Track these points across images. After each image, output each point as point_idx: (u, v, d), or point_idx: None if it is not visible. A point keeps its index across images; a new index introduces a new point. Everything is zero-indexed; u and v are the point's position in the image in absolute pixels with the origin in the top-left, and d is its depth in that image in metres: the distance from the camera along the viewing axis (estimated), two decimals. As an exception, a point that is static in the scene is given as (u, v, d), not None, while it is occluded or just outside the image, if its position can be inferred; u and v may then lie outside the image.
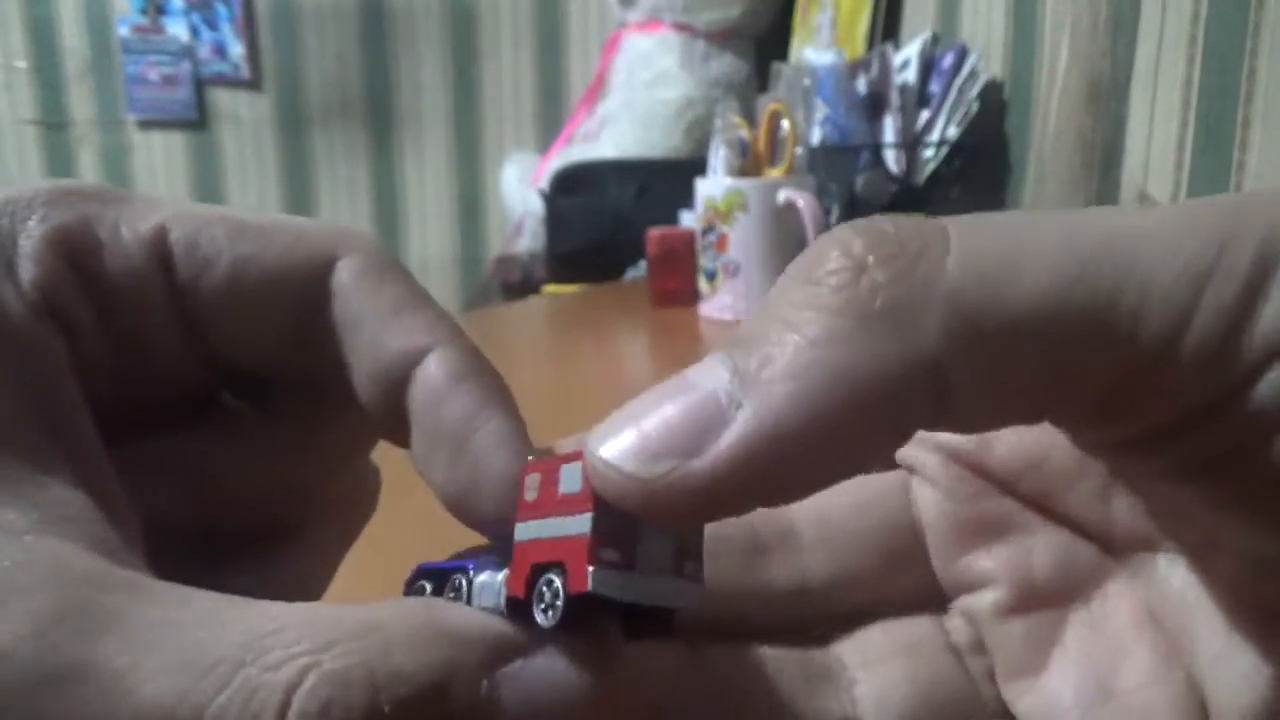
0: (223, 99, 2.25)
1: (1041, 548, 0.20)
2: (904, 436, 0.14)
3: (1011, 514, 0.20)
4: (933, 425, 0.14)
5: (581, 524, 0.14)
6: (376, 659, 0.14)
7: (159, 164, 2.27)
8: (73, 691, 0.13)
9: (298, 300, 0.19)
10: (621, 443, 0.14)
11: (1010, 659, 0.19)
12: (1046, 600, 0.20)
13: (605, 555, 0.14)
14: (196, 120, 2.25)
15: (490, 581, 0.16)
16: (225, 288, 0.18)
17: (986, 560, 0.20)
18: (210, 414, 0.20)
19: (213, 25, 2.21)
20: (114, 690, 0.13)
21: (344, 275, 0.19)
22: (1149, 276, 0.14)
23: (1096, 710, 0.18)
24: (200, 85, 2.24)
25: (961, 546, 0.20)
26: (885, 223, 0.14)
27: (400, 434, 0.18)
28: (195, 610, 0.14)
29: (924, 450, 0.21)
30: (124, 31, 2.20)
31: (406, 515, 0.24)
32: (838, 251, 0.14)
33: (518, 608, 0.15)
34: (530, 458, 0.16)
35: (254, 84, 2.24)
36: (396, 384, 0.18)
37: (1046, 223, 0.14)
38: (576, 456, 0.15)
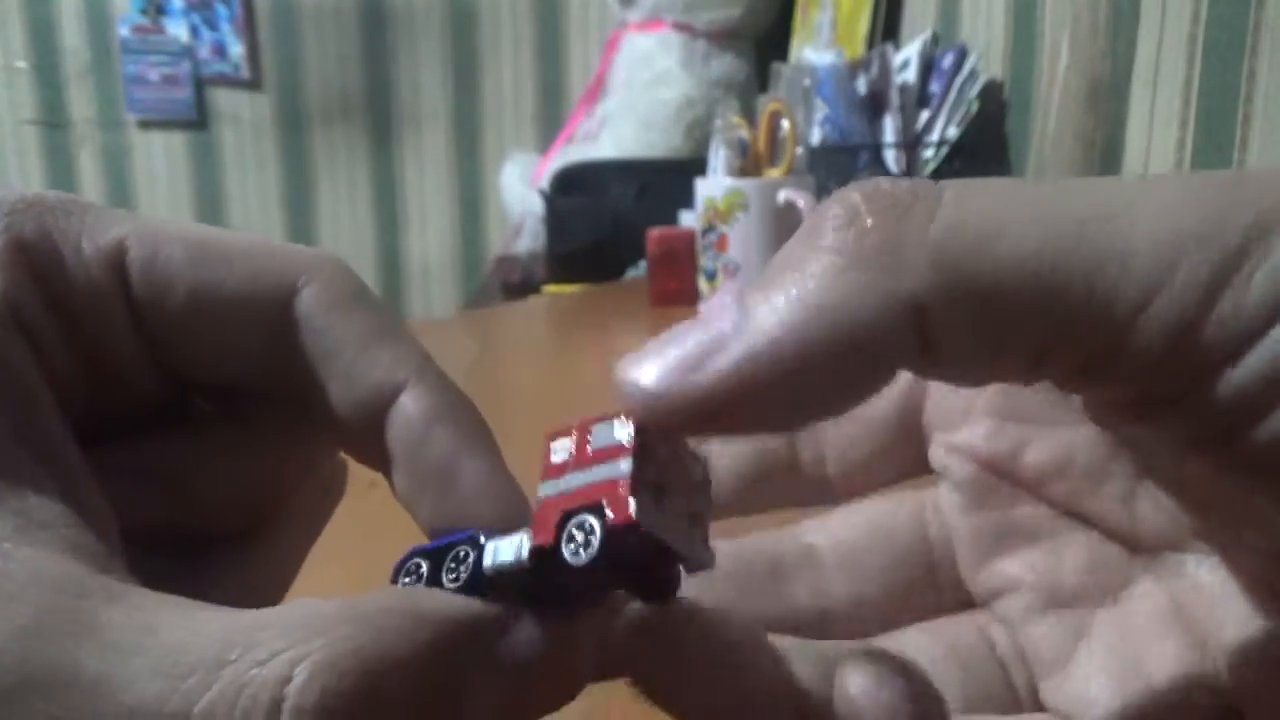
0: (223, 99, 2.25)
1: (1070, 551, 0.20)
2: (888, 371, 0.15)
3: (1039, 519, 0.20)
4: (920, 368, 0.15)
5: (619, 468, 0.15)
6: (367, 646, 0.14)
7: (159, 164, 2.27)
8: (55, 697, 0.13)
9: (261, 328, 0.18)
10: (640, 365, 0.15)
11: (1043, 656, 0.20)
12: (1075, 601, 0.20)
13: (644, 495, 0.15)
14: (196, 120, 2.25)
15: (507, 542, 0.16)
16: (183, 313, 0.18)
17: (1014, 565, 0.20)
18: (179, 420, 0.20)
19: (213, 25, 2.21)
20: (96, 695, 0.13)
21: (310, 304, 0.18)
22: (1136, 242, 0.14)
23: (1126, 704, 0.18)
24: (200, 85, 2.24)
25: (990, 553, 0.20)
26: (884, 181, 0.15)
27: (378, 462, 0.18)
28: (173, 614, 0.14)
29: (955, 457, 0.21)
30: (124, 31, 2.20)
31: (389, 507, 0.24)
32: (838, 204, 0.15)
33: (543, 556, 0.15)
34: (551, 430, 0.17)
35: (254, 84, 2.24)
36: (373, 419, 0.18)
37: (1041, 187, 0.15)
38: (605, 418, 0.16)
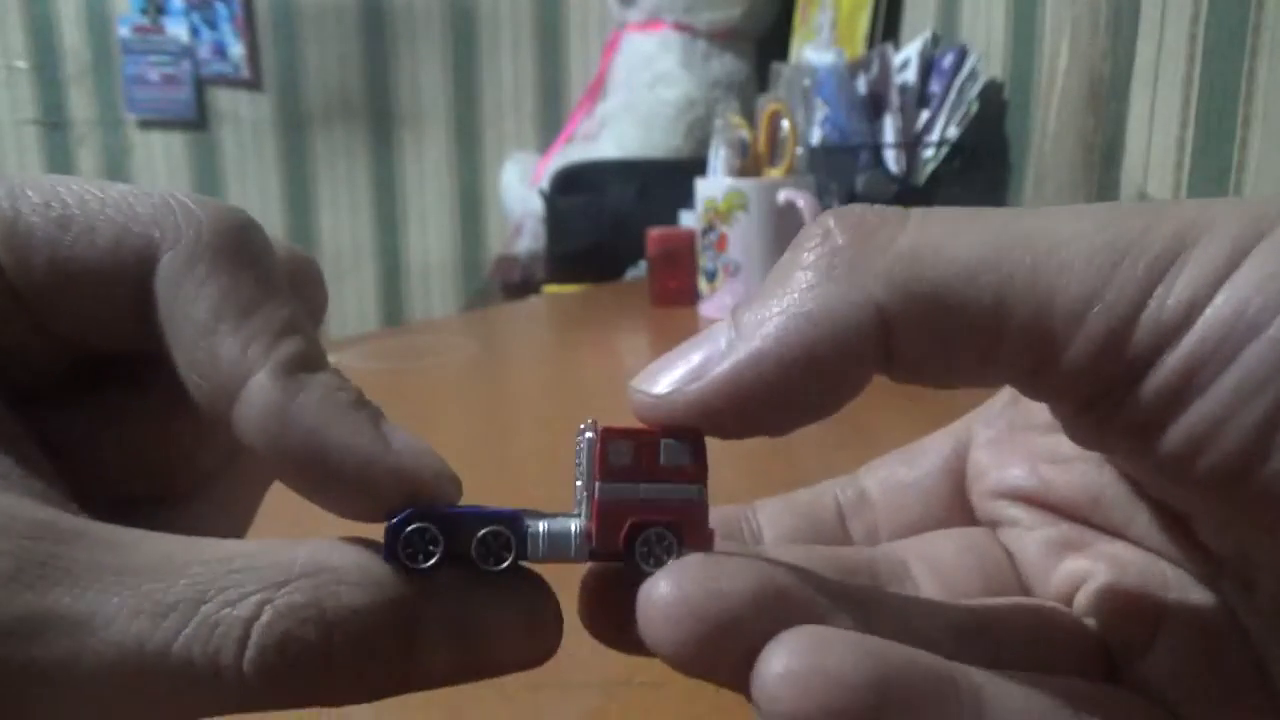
0: (223, 99, 2.25)
1: (1127, 555, 0.21)
2: (858, 373, 0.17)
3: (1089, 534, 0.21)
4: (885, 368, 0.17)
5: (694, 493, 0.17)
6: (327, 595, 0.15)
7: (159, 164, 2.27)
8: (37, 639, 0.14)
9: (124, 300, 0.17)
10: (651, 377, 0.17)
11: (1125, 641, 0.19)
12: (1145, 585, 0.20)
13: (711, 521, 0.17)
14: (196, 120, 2.25)
15: (559, 531, 0.17)
16: (47, 285, 0.17)
17: (1081, 560, 0.21)
18: (77, 388, 0.19)
19: (213, 25, 2.21)
20: (78, 635, 0.14)
21: (161, 278, 0.17)
22: (1072, 249, 0.16)
23: (1199, 687, 0.18)
24: (200, 85, 2.24)
25: (1055, 559, 0.21)
26: (860, 207, 0.17)
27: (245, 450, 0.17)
28: (148, 554, 0.15)
29: (998, 500, 0.22)
30: (124, 31, 2.20)
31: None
32: (816, 227, 0.17)
33: (602, 558, 0.17)
34: (591, 422, 0.17)
35: (254, 84, 2.24)
36: (222, 410, 0.17)
37: (995, 210, 0.17)
38: (678, 434, 0.17)
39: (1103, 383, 0.16)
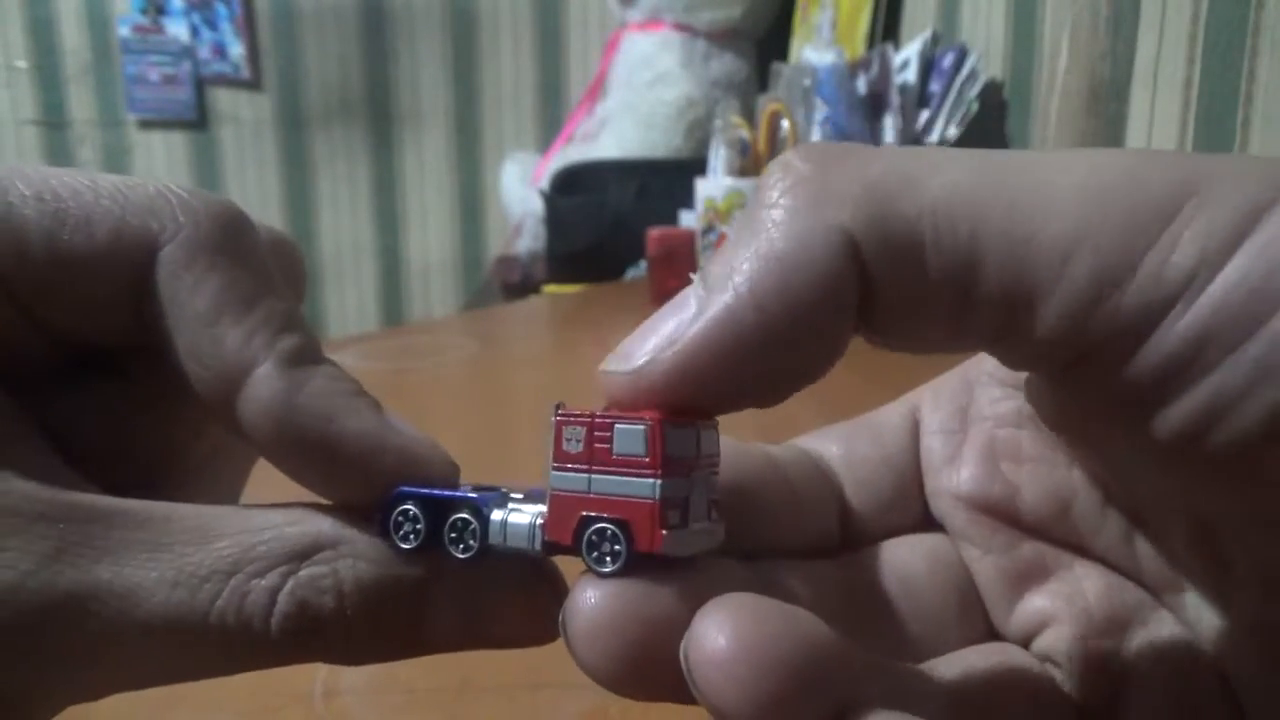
0: (223, 99, 2.25)
1: (1089, 580, 0.19)
2: (842, 318, 0.15)
3: (1049, 556, 0.20)
4: (864, 320, 0.15)
5: (646, 488, 0.15)
6: (344, 568, 0.16)
7: (159, 164, 2.27)
8: (86, 610, 0.15)
9: (124, 293, 0.17)
10: (620, 355, 0.16)
11: (1092, 693, 0.19)
12: (1110, 630, 0.19)
13: (671, 519, 0.15)
14: (196, 120, 2.25)
15: (518, 522, 0.16)
16: (43, 278, 0.17)
17: (1042, 599, 0.19)
18: (71, 382, 0.19)
19: (213, 25, 2.21)
20: (123, 605, 0.15)
21: (162, 270, 0.17)
22: (1058, 189, 0.14)
23: None
24: (200, 85, 2.24)
25: (1014, 593, 0.20)
26: (820, 142, 0.16)
27: (245, 438, 0.17)
28: (182, 527, 0.16)
29: (948, 503, 0.21)
30: (124, 31, 2.20)
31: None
32: (775, 167, 0.16)
33: (557, 551, 0.16)
34: (560, 408, 0.16)
35: (254, 84, 2.24)
36: (225, 400, 0.17)
37: (976, 151, 0.16)
38: (632, 419, 0.16)
39: (1089, 344, 0.14)
